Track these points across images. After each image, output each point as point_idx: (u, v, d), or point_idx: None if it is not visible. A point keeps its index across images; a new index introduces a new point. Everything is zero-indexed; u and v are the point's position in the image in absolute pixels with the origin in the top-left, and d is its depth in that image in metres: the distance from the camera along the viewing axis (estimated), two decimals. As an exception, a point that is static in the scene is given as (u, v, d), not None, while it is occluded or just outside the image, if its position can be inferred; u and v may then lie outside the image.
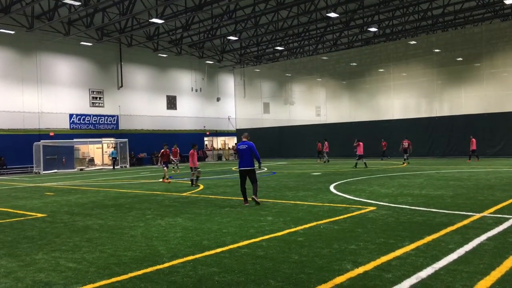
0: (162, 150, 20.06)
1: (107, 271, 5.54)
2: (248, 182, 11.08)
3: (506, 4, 29.93)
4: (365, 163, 24.53)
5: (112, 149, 36.05)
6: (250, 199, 10.97)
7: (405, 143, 27.06)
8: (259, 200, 10.94)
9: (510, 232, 7.02)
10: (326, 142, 30.69)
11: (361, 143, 24.64)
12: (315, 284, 4.81)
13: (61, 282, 5.15)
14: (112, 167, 34.78)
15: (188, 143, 42.37)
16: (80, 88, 36.14)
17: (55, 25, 32.57)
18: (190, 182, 17.22)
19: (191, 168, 17.06)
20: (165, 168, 19.60)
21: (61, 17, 30.17)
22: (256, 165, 11.14)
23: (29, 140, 31.85)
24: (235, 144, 44.60)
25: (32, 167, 31.84)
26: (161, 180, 19.63)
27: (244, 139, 11.33)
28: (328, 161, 30.63)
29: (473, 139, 27.23)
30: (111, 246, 6.94)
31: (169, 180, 19.05)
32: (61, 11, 30.30)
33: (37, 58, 33.50)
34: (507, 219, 7.99)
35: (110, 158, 35.77)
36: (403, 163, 26.44)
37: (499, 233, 6.92)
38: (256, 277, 5.10)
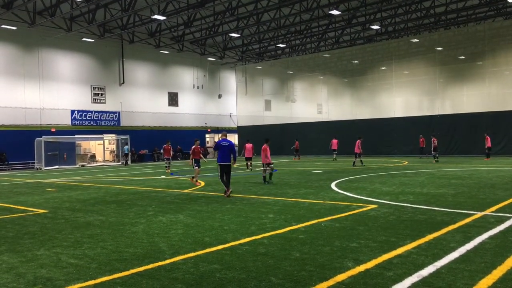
0: (194, 147, 17.24)
1: (109, 267, 5.55)
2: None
3: (509, 3, 29.82)
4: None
5: (126, 145, 36.03)
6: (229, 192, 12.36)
7: (435, 141, 26.46)
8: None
9: (512, 231, 7.02)
10: (335, 140, 30.60)
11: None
12: (316, 281, 4.81)
13: (62, 278, 5.16)
14: (124, 163, 34.70)
15: (189, 140, 42.88)
16: (81, 84, 36.14)
17: (57, 21, 32.53)
18: (263, 179, 15.82)
19: (263, 164, 15.83)
20: (197, 168, 16.68)
21: (63, 13, 30.12)
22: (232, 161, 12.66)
23: (31, 136, 31.86)
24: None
25: (34, 163, 31.87)
26: (189, 179, 17.15)
27: (223, 137, 12.98)
28: (335, 159, 30.53)
29: (488, 137, 27.07)
30: (113, 242, 6.95)
31: (199, 182, 16.34)
32: (63, 7, 30.27)
33: (39, 54, 33.49)
34: (508, 218, 7.98)
35: (123, 154, 35.69)
36: (434, 161, 25.82)
37: (501, 232, 6.92)
38: (257, 274, 5.10)
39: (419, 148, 30.84)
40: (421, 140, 30.52)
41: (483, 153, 28.07)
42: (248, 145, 22.94)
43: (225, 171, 12.49)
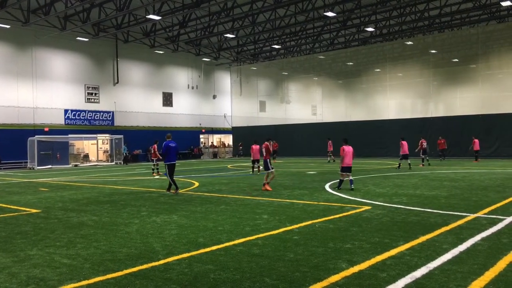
0: (266, 144, 14.60)
1: (102, 268, 5.53)
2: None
3: (502, 6, 30.05)
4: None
5: (124, 145, 36.27)
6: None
7: (424, 143, 25.42)
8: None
9: (504, 232, 7.07)
10: (330, 141, 30.60)
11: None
12: (310, 282, 4.82)
13: (55, 278, 5.14)
14: (124, 163, 35.55)
15: (183, 141, 42.88)
16: (75, 83, 35.94)
17: (51, 20, 32.32)
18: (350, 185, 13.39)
19: (344, 168, 13.46)
20: (272, 169, 14.09)
21: (57, 12, 29.93)
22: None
23: (24, 135, 31.63)
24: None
25: (27, 162, 31.66)
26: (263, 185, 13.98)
27: (169, 139, 13.99)
28: (334, 160, 30.39)
29: (475, 140, 27.35)
30: (106, 242, 6.93)
31: (269, 188, 13.66)
32: (57, 6, 30.08)
33: (32, 53, 33.26)
34: (500, 220, 8.05)
35: (123, 153, 36.11)
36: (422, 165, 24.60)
37: (493, 234, 6.98)
38: (252, 275, 5.11)
39: (438, 150, 29.61)
40: (443, 141, 29.50)
41: (473, 156, 28.28)
42: (255, 146, 21.22)
43: (173, 170, 13.82)
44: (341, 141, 14.10)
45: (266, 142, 14.89)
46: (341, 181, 13.58)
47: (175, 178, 13.93)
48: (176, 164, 14.35)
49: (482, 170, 20.16)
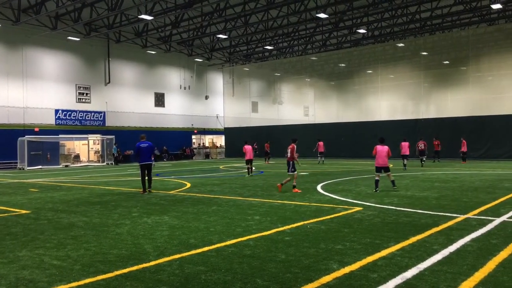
0: (293, 145, 13.87)
1: (92, 269, 5.49)
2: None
3: (492, 9, 30.36)
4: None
5: (114, 145, 36.15)
6: (147, 191, 13.72)
7: (421, 144, 25.48)
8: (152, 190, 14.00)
9: (494, 233, 7.14)
10: (320, 142, 30.57)
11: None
12: (302, 283, 4.83)
13: (45, 280, 5.09)
14: (113, 163, 35.52)
15: (175, 141, 42.80)
16: (66, 83, 35.66)
17: (42, 19, 32.07)
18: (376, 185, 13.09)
19: (384, 168, 13.17)
20: (293, 172, 13.56)
21: (48, 11, 29.72)
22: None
23: (14, 136, 31.32)
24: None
25: (16, 162, 31.34)
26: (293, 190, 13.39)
27: (142, 140, 14.08)
28: (323, 162, 30.30)
29: (464, 141, 27.65)
30: (97, 243, 6.88)
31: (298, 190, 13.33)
32: (48, 5, 29.85)
33: (23, 52, 32.95)
34: (490, 221, 8.12)
35: (113, 154, 36.04)
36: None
37: (483, 235, 7.03)
38: (243, 276, 5.10)
39: (433, 151, 29.23)
40: (437, 143, 29.25)
41: (466, 157, 28.48)
42: (248, 147, 20.63)
43: (146, 170, 13.88)
44: (377, 141, 13.72)
45: (292, 144, 13.86)
46: (376, 181, 13.12)
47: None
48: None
49: (473, 172, 20.33)
